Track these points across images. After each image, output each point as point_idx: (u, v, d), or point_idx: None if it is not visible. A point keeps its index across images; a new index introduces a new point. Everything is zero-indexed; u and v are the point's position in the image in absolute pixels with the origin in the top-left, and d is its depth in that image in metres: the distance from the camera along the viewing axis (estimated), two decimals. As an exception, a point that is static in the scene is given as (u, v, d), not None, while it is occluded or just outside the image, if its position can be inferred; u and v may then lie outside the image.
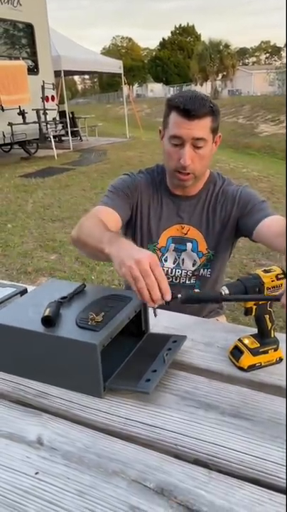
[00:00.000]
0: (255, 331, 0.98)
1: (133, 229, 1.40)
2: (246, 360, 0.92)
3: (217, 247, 1.36)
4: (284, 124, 13.80)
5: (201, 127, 1.19)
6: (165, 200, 1.37)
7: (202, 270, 1.38)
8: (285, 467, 0.68)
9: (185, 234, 1.36)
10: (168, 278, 1.40)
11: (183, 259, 1.38)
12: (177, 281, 1.41)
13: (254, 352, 0.92)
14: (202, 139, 1.21)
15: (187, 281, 1.40)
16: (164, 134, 1.28)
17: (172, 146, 1.23)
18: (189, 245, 1.36)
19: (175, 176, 1.27)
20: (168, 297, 0.87)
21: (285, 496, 0.63)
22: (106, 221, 1.18)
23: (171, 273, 1.40)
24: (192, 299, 0.92)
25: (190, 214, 1.36)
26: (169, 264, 1.39)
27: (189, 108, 1.17)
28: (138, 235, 1.40)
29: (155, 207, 1.37)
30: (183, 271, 1.39)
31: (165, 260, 1.39)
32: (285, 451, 0.71)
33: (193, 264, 1.38)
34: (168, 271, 1.40)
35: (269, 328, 0.95)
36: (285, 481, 0.66)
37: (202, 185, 1.35)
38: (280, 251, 1.14)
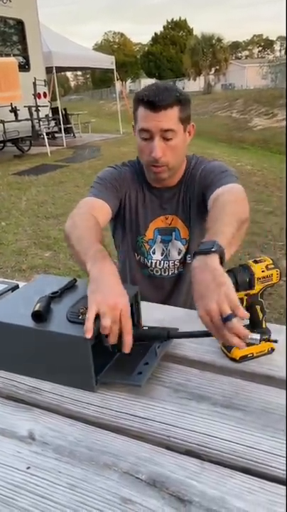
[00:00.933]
0: (246, 322, 0.98)
1: (122, 221, 1.39)
2: (238, 351, 0.92)
3: (195, 230, 1.35)
4: (278, 118, 13.79)
5: (168, 118, 1.17)
6: (148, 192, 1.37)
7: (187, 257, 1.39)
8: (284, 458, 0.68)
9: (169, 224, 1.37)
10: (157, 271, 1.40)
11: (170, 250, 1.38)
12: (166, 273, 1.41)
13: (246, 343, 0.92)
14: (171, 130, 1.18)
15: (176, 271, 1.40)
16: (136, 131, 1.27)
17: (142, 140, 1.22)
18: (173, 234, 1.37)
19: (150, 169, 1.26)
20: (127, 350, 0.83)
21: (285, 487, 0.63)
22: (97, 215, 1.17)
23: (159, 265, 1.40)
24: (140, 337, 0.89)
25: (172, 204, 1.36)
26: (157, 256, 1.39)
27: (153, 100, 1.15)
28: (127, 228, 1.40)
29: (142, 199, 1.37)
30: (171, 262, 1.39)
31: (153, 253, 1.39)
32: (285, 442, 0.71)
33: (179, 253, 1.39)
34: (156, 263, 1.40)
35: (260, 318, 0.95)
36: (278, 470, 0.66)
37: (181, 174, 1.34)
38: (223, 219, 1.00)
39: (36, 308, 0.90)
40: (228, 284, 0.78)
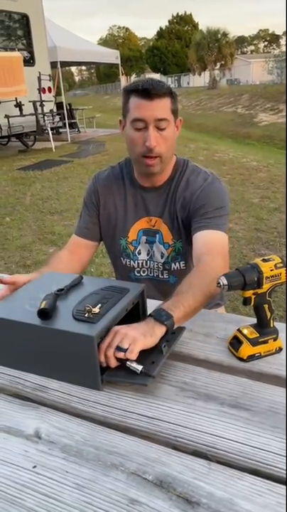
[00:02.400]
0: (254, 321, 0.97)
1: (106, 226, 1.39)
2: (246, 350, 0.91)
3: (185, 238, 1.32)
4: (284, 113, 13.70)
5: (162, 107, 1.18)
6: (131, 193, 1.35)
7: (173, 264, 1.35)
8: (285, 457, 0.68)
9: (153, 226, 1.35)
10: (144, 271, 1.38)
11: (154, 251, 1.37)
12: (152, 274, 1.39)
13: (254, 342, 0.92)
14: (165, 120, 1.18)
15: (160, 275, 1.38)
16: (125, 123, 1.26)
17: (135, 131, 1.20)
18: (157, 237, 1.35)
19: (142, 162, 1.23)
20: (112, 364, 0.86)
21: (285, 487, 0.63)
22: (80, 255, 1.38)
23: (146, 265, 1.39)
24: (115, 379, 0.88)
25: (157, 206, 1.33)
26: (143, 256, 1.38)
27: (148, 87, 1.16)
28: (111, 231, 1.39)
29: (121, 201, 1.36)
30: (155, 263, 1.37)
31: (139, 253, 1.38)
32: (285, 441, 0.71)
33: (161, 257, 1.36)
34: (142, 263, 1.38)
35: (268, 317, 0.94)
36: (285, 471, 0.65)
37: (169, 173, 1.32)
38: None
39: (42, 305, 0.89)
40: (145, 343, 0.86)
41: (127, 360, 0.85)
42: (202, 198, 1.25)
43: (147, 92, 1.15)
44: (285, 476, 0.65)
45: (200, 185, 1.27)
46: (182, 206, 1.29)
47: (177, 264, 1.35)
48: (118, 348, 0.84)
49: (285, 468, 0.66)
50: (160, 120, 1.18)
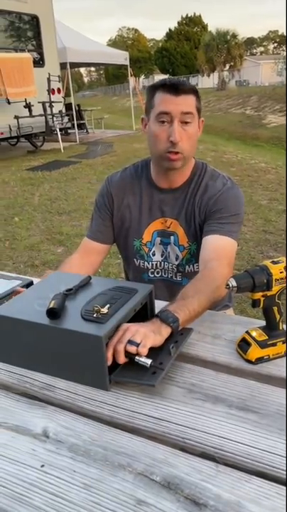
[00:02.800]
0: (263, 323, 0.96)
1: (120, 228, 1.39)
2: (254, 352, 0.91)
3: (200, 240, 1.30)
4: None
5: (188, 102, 1.20)
6: (147, 193, 1.35)
7: (187, 267, 1.35)
8: (285, 459, 0.67)
9: (168, 227, 1.34)
10: (158, 272, 1.38)
11: (169, 253, 1.36)
12: (166, 275, 1.39)
13: (262, 344, 0.91)
14: (190, 113, 1.20)
15: (174, 277, 1.38)
16: (148, 121, 1.26)
17: (160, 125, 1.21)
18: (172, 238, 1.34)
19: (165, 157, 1.23)
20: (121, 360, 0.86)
21: (285, 488, 0.63)
22: (92, 259, 1.38)
23: (160, 266, 1.38)
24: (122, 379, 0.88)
25: (173, 207, 1.33)
26: (157, 257, 1.38)
27: (175, 83, 1.19)
28: (124, 232, 1.39)
29: (136, 202, 1.36)
30: (170, 264, 1.37)
31: (153, 254, 1.37)
32: (285, 442, 0.70)
33: (176, 259, 1.36)
34: (157, 264, 1.38)
35: (277, 320, 0.94)
36: (293, 474, 0.65)
37: (187, 175, 1.32)
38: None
39: (51, 305, 0.90)
40: (155, 340, 0.87)
41: (135, 355, 0.84)
42: (219, 202, 1.25)
43: (174, 86, 1.18)
44: (285, 476, 0.64)
45: (219, 189, 1.27)
46: (200, 210, 1.29)
47: (191, 266, 1.35)
48: (131, 342, 0.85)
49: (285, 469, 0.66)
50: (186, 114, 1.19)
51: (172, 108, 1.18)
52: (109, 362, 0.85)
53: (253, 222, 4.37)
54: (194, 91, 1.22)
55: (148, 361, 0.84)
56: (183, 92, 1.18)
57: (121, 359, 0.85)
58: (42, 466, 0.69)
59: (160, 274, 1.39)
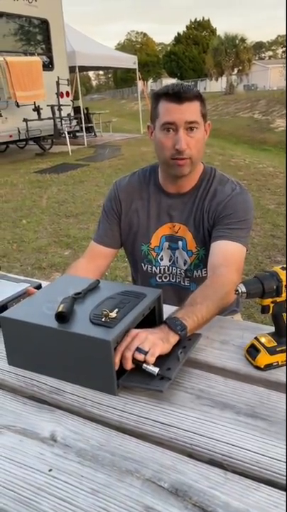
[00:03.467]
0: (271, 329, 0.96)
1: (127, 232, 1.39)
2: (263, 359, 0.90)
3: (209, 246, 1.29)
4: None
5: (192, 110, 1.19)
6: (155, 198, 1.35)
7: (195, 272, 1.34)
8: (285, 464, 0.67)
9: (176, 232, 1.34)
10: (165, 277, 1.37)
11: (177, 257, 1.36)
12: (174, 280, 1.38)
13: (271, 351, 0.90)
14: (195, 122, 1.19)
15: (182, 282, 1.37)
16: (154, 128, 1.26)
17: (165, 134, 1.21)
18: (180, 243, 1.34)
19: (173, 163, 1.23)
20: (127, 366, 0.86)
21: (285, 493, 0.62)
22: (99, 263, 1.37)
23: (168, 271, 1.38)
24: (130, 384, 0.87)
25: (181, 212, 1.32)
26: (165, 262, 1.37)
27: (178, 91, 1.17)
28: (132, 237, 1.39)
29: (144, 207, 1.36)
30: (178, 269, 1.37)
31: (161, 259, 1.37)
32: (285, 447, 0.70)
33: (184, 264, 1.35)
34: (165, 269, 1.38)
35: (287, 326, 0.93)
36: (302, 483, 0.64)
37: (196, 180, 1.32)
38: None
39: (60, 308, 0.90)
40: (163, 348, 0.87)
41: (143, 362, 0.85)
42: (228, 208, 1.25)
43: (177, 95, 1.17)
44: (285, 482, 0.64)
45: (228, 194, 1.27)
46: (209, 215, 1.28)
47: (199, 271, 1.34)
48: (139, 350, 0.85)
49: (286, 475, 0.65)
50: (191, 123, 1.19)
51: (177, 118, 1.18)
52: (116, 367, 0.85)
53: (261, 227, 4.35)
54: (198, 96, 1.20)
55: (156, 369, 0.84)
56: (187, 100, 1.17)
57: (129, 366, 0.85)
58: (50, 470, 0.69)
59: (168, 279, 1.39)
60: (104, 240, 1.40)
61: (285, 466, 0.67)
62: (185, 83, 1.26)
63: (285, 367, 0.91)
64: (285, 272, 0.88)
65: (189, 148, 1.20)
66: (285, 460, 0.68)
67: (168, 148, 1.21)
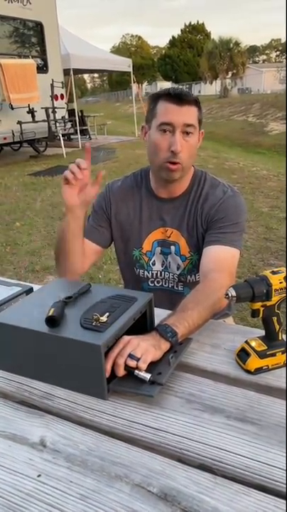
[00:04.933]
0: (262, 332, 0.96)
1: (119, 238, 1.39)
2: (253, 362, 0.90)
3: (201, 251, 1.29)
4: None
5: (191, 113, 1.20)
6: (147, 203, 1.35)
7: (189, 276, 1.34)
8: (285, 472, 0.67)
9: (169, 237, 1.33)
10: (158, 281, 1.37)
11: (170, 262, 1.35)
12: (167, 285, 1.38)
13: (261, 355, 0.91)
14: (192, 126, 1.19)
15: (175, 287, 1.37)
16: (148, 129, 1.26)
17: (161, 134, 1.20)
18: (172, 248, 1.33)
19: (165, 167, 1.23)
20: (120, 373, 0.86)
21: (285, 501, 0.62)
22: (82, 262, 1.32)
23: (160, 275, 1.37)
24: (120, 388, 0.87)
25: (173, 217, 1.32)
26: (157, 267, 1.37)
27: (179, 93, 1.18)
28: (123, 241, 1.39)
29: (136, 211, 1.35)
30: (171, 274, 1.36)
31: (153, 264, 1.37)
32: (285, 455, 0.70)
33: (177, 268, 1.35)
34: (157, 273, 1.37)
35: (277, 330, 0.93)
36: (291, 488, 0.64)
37: (187, 184, 1.32)
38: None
39: (50, 313, 0.89)
40: (155, 355, 0.88)
41: (135, 369, 0.85)
42: (220, 211, 1.25)
43: (179, 96, 1.17)
44: (285, 490, 0.64)
45: (220, 197, 1.27)
46: (202, 220, 1.28)
47: (193, 276, 1.34)
48: (131, 356, 0.85)
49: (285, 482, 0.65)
50: (188, 126, 1.19)
51: (176, 119, 1.18)
52: (108, 374, 0.85)
53: (255, 230, 4.37)
54: (196, 102, 1.22)
55: (147, 375, 0.84)
56: (187, 103, 1.18)
57: (121, 372, 0.85)
58: (39, 475, 0.68)
59: (160, 283, 1.39)
60: (90, 236, 1.36)
61: (275, 471, 0.67)
62: (183, 88, 1.27)
63: (275, 371, 0.91)
64: (274, 276, 0.89)
65: (183, 152, 1.20)
66: (275, 465, 0.69)
67: (163, 150, 1.21)
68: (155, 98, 1.23)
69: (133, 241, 1.37)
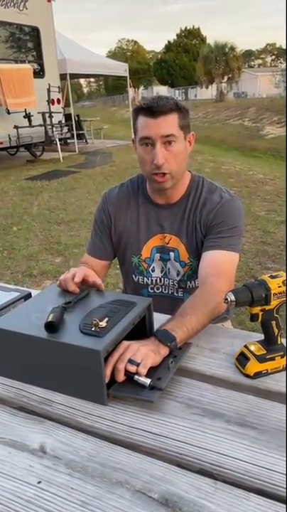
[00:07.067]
0: (261, 336, 0.96)
1: (118, 244, 1.39)
2: (253, 367, 0.91)
3: (200, 256, 1.28)
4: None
5: (168, 124, 1.18)
6: (145, 210, 1.35)
7: (189, 282, 1.34)
8: (285, 476, 0.67)
9: (167, 243, 1.34)
10: (158, 288, 1.37)
11: (169, 269, 1.35)
12: (167, 291, 1.38)
13: (261, 359, 0.91)
14: (172, 135, 1.18)
15: (175, 293, 1.37)
16: (135, 142, 1.27)
17: (143, 149, 1.21)
18: (171, 255, 1.34)
19: (153, 179, 1.24)
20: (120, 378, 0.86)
21: (285, 506, 0.62)
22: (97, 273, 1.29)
23: (160, 282, 1.38)
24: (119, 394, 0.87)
25: (171, 223, 1.32)
26: (157, 273, 1.37)
27: (152, 105, 1.17)
28: (122, 248, 1.39)
29: (134, 218, 1.36)
30: (170, 280, 1.36)
31: (153, 270, 1.37)
32: (285, 459, 0.70)
33: (177, 274, 1.35)
34: (156, 280, 1.37)
35: (276, 334, 0.93)
36: (292, 492, 0.64)
37: (184, 190, 1.32)
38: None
39: (49, 318, 0.89)
40: (154, 360, 0.88)
41: (135, 374, 0.85)
42: (219, 216, 1.25)
43: (150, 109, 1.17)
44: (285, 494, 0.64)
45: (217, 202, 1.27)
46: (201, 225, 1.29)
47: (192, 282, 1.34)
48: (131, 362, 0.85)
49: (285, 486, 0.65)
50: (167, 136, 1.18)
51: (153, 132, 1.18)
52: (107, 379, 0.85)
53: (252, 233, 4.38)
54: (175, 109, 1.18)
55: (147, 381, 0.84)
56: (161, 114, 1.16)
57: (121, 377, 0.85)
58: (39, 482, 0.68)
59: (160, 290, 1.39)
60: (96, 253, 1.41)
61: (275, 476, 0.68)
62: (164, 96, 1.24)
63: (274, 375, 0.92)
64: (273, 280, 0.89)
65: (167, 163, 1.20)
66: (275, 469, 0.69)
67: (147, 163, 1.22)
68: (136, 112, 1.24)
69: (131, 248, 1.37)
